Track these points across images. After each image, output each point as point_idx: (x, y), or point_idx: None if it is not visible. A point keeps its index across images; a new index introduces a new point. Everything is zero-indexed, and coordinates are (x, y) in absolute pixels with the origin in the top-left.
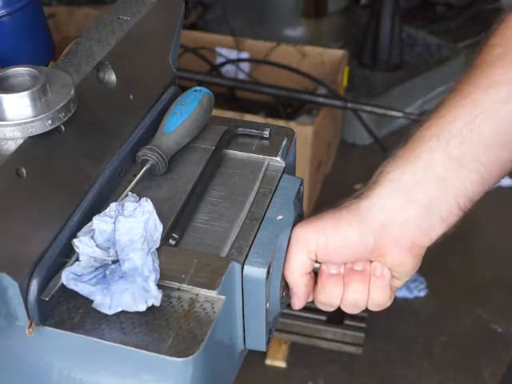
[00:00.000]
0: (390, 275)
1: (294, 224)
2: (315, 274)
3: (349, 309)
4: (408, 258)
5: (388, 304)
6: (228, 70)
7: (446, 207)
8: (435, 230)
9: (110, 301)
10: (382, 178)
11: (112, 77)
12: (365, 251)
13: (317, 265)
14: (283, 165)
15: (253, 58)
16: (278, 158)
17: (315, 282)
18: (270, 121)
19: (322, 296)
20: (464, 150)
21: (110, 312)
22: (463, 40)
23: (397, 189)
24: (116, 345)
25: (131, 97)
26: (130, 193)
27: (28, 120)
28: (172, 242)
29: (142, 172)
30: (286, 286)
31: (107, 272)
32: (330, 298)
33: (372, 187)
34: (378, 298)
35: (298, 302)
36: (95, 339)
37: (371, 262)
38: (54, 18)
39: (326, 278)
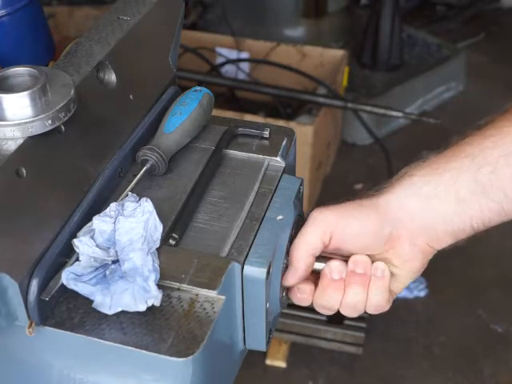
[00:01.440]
0: (390, 277)
1: (295, 224)
2: (316, 274)
3: (348, 312)
4: (418, 254)
5: (386, 308)
6: (228, 70)
7: (459, 225)
8: (445, 240)
9: (110, 301)
10: (406, 180)
11: (112, 77)
12: (378, 241)
13: (319, 265)
14: (283, 165)
15: (253, 58)
16: (278, 158)
17: (315, 284)
18: (270, 121)
19: (321, 299)
20: (493, 179)
21: (110, 312)
22: (463, 40)
23: (417, 194)
24: (116, 345)
25: (131, 97)
26: (129, 193)
27: (28, 120)
28: (172, 241)
29: (141, 172)
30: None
31: (107, 272)
32: (329, 301)
33: (394, 184)
34: (377, 299)
35: (291, 279)
36: (95, 339)
37: (373, 262)
38: (54, 18)
39: (327, 281)
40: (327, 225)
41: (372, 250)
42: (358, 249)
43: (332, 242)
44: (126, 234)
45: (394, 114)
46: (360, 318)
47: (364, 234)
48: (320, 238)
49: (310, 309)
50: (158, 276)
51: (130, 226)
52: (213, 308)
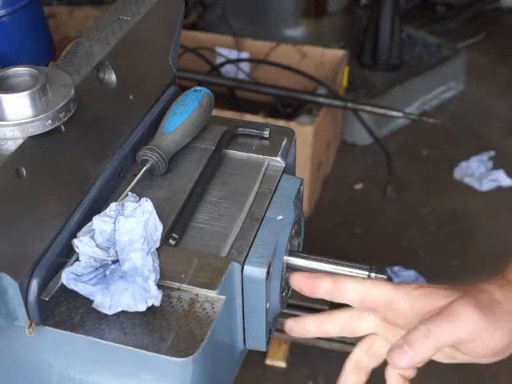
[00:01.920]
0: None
1: (294, 224)
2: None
3: None
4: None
5: None
6: (228, 70)
7: None
8: None
9: (109, 301)
10: None
11: (112, 77)
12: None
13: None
14: (283, 165)
15: (253, 58)
16: (278, 158)
17: None
18: (270, 121)
19: None
20: None
21: (109, 312)
22: (463, 40)
23: None
24: (116, 345)
25: (131, 97)
26: (129, 193)
27: (28, 120)
28: (172, 241)
29: (142, 172)
30: (285, 286)
31: (107, 272)
32: None
33: None
34: None
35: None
36: (95, 339)
37: None
38: (54, 17)
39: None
40: (473, 333)
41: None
42: (476, 356)
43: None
44: (125, 234)
45: (394, 113)
46: None
47: (499, 346)
48: (459, 339)
49: (310, 309)
50: (158, 276)
51: (130, 226)
52: (213, 308)
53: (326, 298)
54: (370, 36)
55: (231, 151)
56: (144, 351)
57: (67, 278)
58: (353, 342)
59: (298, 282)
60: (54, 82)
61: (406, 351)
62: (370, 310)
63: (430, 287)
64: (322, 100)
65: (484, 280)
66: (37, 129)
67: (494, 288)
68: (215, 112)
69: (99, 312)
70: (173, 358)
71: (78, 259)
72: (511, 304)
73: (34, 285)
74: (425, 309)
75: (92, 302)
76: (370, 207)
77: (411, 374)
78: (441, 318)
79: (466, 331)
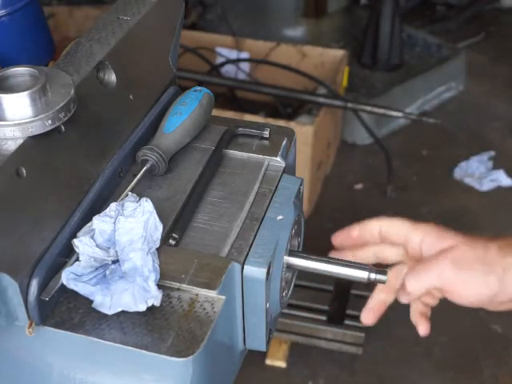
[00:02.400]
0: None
1: (294, 224)
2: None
3: None
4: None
5: None
6: (228, 70)
7: None
8: None
9: (109, 301)
10: None
11: (112, 77)
12: (483, 303)
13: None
14: (283, 165)
15: (253, 58)
16: (278, 158)
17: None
18: (270, 121)
19: None
20: None
21: (109, 312)
22: (463, 40)
23: None
24: (116, 345)
25: (131, 97)
26: (129, 193)
27: (28, 120)
28: (172, 242)
29: (142, 172)
30: (285, 286)
31: (107, 272)
32: None
33: None
34: None
35: (404, 300)
36: (95, 339)
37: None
38: (54, 17)
39: None
40: (447, 284)
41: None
42: (460, 303)
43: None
44: (125, 234)
45: (394, 114)
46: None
47: (476, 301)
48: (434, 287)
49: (310, 309)
50: (158, 276)
51: (130, 226)
52: (213, 308)
53: (360, 243)
54: (369, 36)
55: (231, 151)
56: (144, 351)
57: (67, 278)
58: (353, 342)
59: (337, 242)
60: (53, 82)
61: (402, 293)
62: (392, 244)
63: (443, 230)
64: (322, 100)
65: (494, 237)
66: (37, 129)
67: (494, 246)
68: (215, 112)
69: (99, 312)
70: (173, 358)
71: (78, 259)
72: (502, 263)
73: (34, 285)
74: (432, 246)
75: (92, 301)
76: (370, 207)
77: (434, 302)
78: (421, 267)
79: (439, 280)
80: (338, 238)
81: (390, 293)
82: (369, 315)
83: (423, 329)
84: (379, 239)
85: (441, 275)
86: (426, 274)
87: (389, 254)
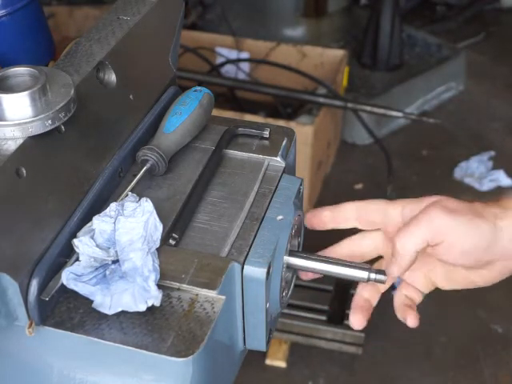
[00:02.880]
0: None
1: (294, 224)
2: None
3: None
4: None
5: None
6: (228, 70)
7: None
8: None
9: (109, 301)
10: None
11: (112, 77)
12: (479, 262)
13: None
14: (283, 165)
15: (253, 58)
16: (278, 158)
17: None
18: (270, 121)
19: None
20: None
21: (109, 312)
22: (463, 40)
23: None
24: (116, 345)
25: (131, 97)
26: (129, 193)
27: (28, 120)
28: (172, 241)
29: (142, 172)
30: (285, 286)
31: (107, 272)
32: None
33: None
34: None
35: (397, 271)
36: (95, 339)
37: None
38: (54, 18)
39: None
40: (439, 233)
41: (465, 265)
42: (453, 260)
43: (433, 245)
44: (126, 234)
45: (394, 114)
46: None
47: (469, 253)
48: (427, 242)
49: (310, 309)
50: (158, 276)
51: (130, 226)
52: (213, 308)
53: (332, 226)
54: (369, 36)
55: (231, 151)
56: (144, 351)
57: (67, 277)
58: (353, 342)
59: (308, 221)
60: (53, 82)
61: (394, 261)
62: (370, 226)
63: (423, 197)
64: (322, 100)
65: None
66: (37, 129)
67: (478, 202)
68: (215, 112)
69: (99, 312)
70: (173, 358)
71: (77, 259)
72: (490, 212)
73: (34, 285)
74: (416, 209)
75: (92, 301)
76: None
77: (418, 298)
78: (410, 221)
79: (430, 230)
80: (309, 220)
81: (373, 291)
82: (358, 317)
83: (412, 319)
84: (356, 223)
85: (431, 224)
86: (416, 226)
87: (366, 247)
